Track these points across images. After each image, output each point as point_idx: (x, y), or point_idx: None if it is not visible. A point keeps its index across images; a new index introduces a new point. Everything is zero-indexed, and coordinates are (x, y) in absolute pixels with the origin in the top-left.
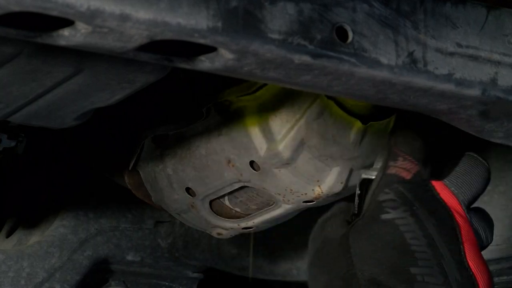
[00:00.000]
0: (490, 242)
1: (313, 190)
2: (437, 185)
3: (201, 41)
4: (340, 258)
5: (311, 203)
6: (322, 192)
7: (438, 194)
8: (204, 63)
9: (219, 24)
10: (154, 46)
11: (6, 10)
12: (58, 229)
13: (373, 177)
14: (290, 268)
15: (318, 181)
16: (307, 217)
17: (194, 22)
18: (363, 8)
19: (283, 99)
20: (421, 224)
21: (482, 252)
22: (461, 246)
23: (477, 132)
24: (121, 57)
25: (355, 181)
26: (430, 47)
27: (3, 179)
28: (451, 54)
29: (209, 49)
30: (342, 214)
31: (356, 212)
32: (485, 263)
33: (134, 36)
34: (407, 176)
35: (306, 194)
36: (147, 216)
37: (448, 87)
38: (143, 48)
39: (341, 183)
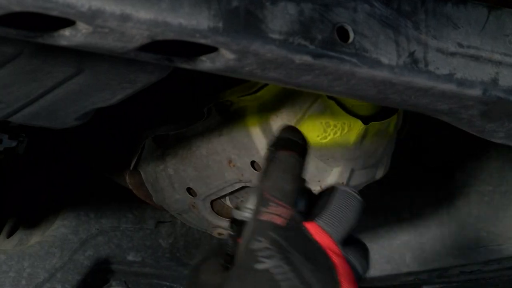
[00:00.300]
0: (367, 270)
1: (314, 190)
2: (311, 226)
3: (202, 41)
4: None
5: None
6: None
7: (312, 236)
8: (205, 63)
9: (220, 24)
10: (155, 46)
11: (7, 10)
12: (59, 229)
13: (246, 219)
14: None
15: (319, 181)
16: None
17: (195, 22)
18: (364, 8)
19: (284, 99)
20: (298, 271)
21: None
22: (339, 287)
23: (478, 132)
24: (122, 57)
25: (356, 181)
26: (431, 47)
27: (4, 179)
28: (452, 54)
29: (210, 49)
30: (216, 258)
31: (230, 253)
32: None
33: (135, 36)
34: (281, 221)
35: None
36: (148, 216)
37: (449, 87)
38: (144, 48)
39: (343, 183)
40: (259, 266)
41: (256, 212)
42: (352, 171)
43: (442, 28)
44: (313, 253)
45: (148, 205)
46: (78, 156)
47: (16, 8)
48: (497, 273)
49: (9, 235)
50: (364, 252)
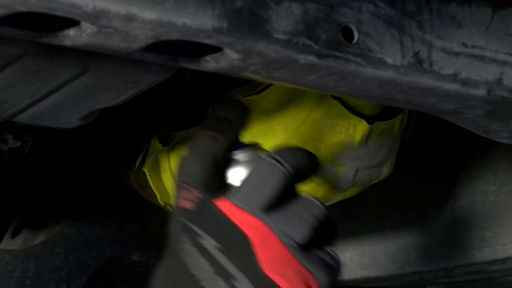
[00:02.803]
0: (307, 233)
1: (318, 190)
2: (222, 205)
3: (207, 41)
4: None
5: None
6: (327, 192)
7: (224, 214)
8: (210, 63)
9: (225, 24)
10: (159, 46)
11: (12, 10)
12: (64, 229)
13: None
14: None
15: (324, 181)
16: None
17: (200, 22)
18: (369, 8)
19: (288, 99)
20: (204, 251)
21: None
22: (255, 259)
23: (483, 132)
24: (127, 57)
25: (361, 180)
26: (436, 47)
27: (9, 179)
28: (457, 54)
29: (215, 49)
30: None
31: None
32: (296, 262)
33: (140, 37)
34: (190, 206)
35: (311, 194)
36: (153, 216)
37: (454, 87)
38: (148, 48)
39: (347, 183)
40: (171, 251)
41: (174, 198)
42: (356, 171)
43: (447, 28)
44: (224, 230)
45: (153, 205)
46: (82, 156)
47: (21, 8)
48: (503, 273)
49: (14, 235)
50: (301, 214)
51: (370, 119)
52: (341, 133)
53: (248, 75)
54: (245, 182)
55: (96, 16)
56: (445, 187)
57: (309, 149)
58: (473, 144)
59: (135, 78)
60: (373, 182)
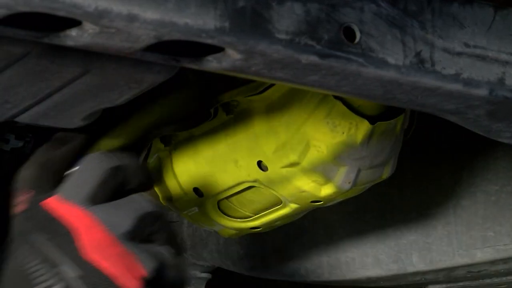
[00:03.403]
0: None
1: (320, 190)
2: (50, 201)
3: (209, 41)
4: None
5: (318, 203)
6: (329, 192)
7: (50, 207)
8: (212, 63)
9: (227, 24)
10: (161, 47)
11: (14, 11)
12: None
13: None
14: (298, 268)
15: (325, 181)
16: (314, 217)
17: (202, 22)
18: (371, 8)
19: (290, 99)
20: (34, 247)
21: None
22: (78, 244)
23: (485, 132)
24: (129, 57)
25: (363, 180)
26: (438, 47)
27: (11, 179)
28: (459, 54)
29: (217, 49)
30: None
31: None
32: (119, 245)
33: (142, 37)
34: (22, 208)
35: (313, 194)
36: None
37: (456, 87)
38: (150, 48)
39: (349, 183)
40: (9, 255)
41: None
42: (358, 171)
43: (449, 28)
44: (50, 224)
45: None
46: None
47: (23, 9)
48: (504, 273)
49: None
50: (130, 206)
51: (372, 119)
52: (343, 133)
53: (250, 75)
54: (69, 176)
55: (98, 16)
56: (447, 187)
57: (311, 149)
58: (474, 144)
59: (138, 78)
60: (375, 182)
